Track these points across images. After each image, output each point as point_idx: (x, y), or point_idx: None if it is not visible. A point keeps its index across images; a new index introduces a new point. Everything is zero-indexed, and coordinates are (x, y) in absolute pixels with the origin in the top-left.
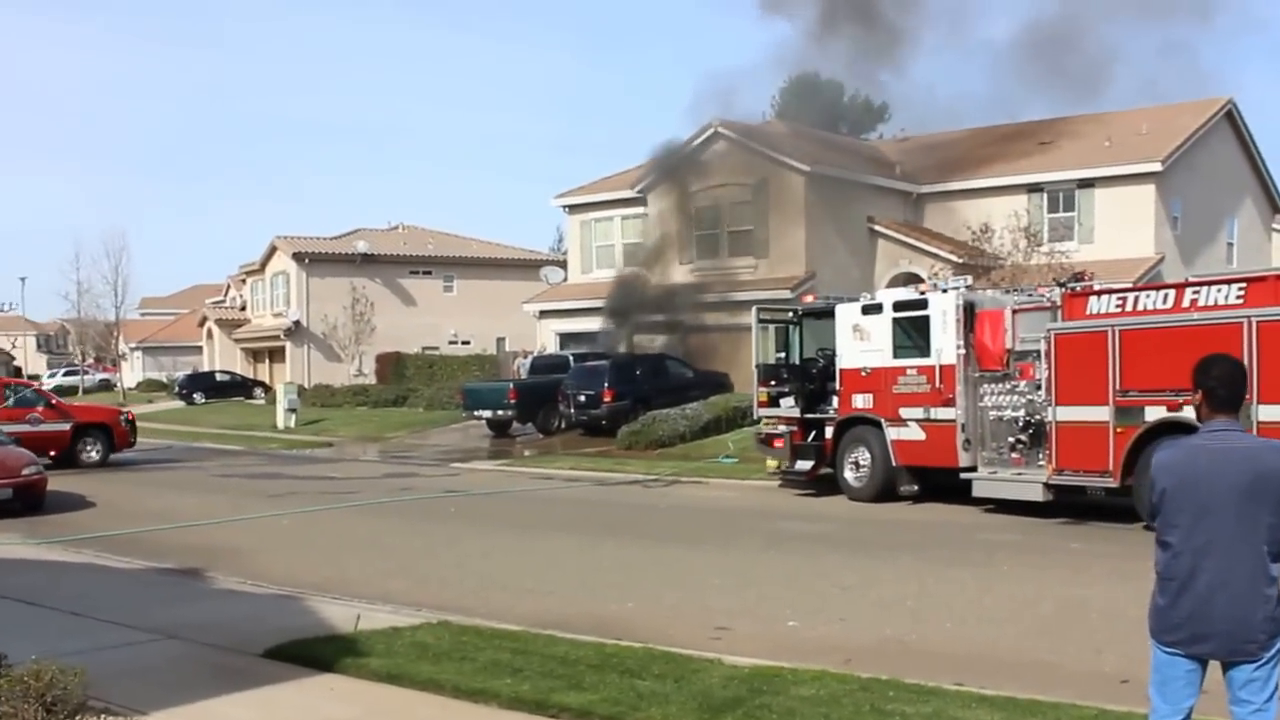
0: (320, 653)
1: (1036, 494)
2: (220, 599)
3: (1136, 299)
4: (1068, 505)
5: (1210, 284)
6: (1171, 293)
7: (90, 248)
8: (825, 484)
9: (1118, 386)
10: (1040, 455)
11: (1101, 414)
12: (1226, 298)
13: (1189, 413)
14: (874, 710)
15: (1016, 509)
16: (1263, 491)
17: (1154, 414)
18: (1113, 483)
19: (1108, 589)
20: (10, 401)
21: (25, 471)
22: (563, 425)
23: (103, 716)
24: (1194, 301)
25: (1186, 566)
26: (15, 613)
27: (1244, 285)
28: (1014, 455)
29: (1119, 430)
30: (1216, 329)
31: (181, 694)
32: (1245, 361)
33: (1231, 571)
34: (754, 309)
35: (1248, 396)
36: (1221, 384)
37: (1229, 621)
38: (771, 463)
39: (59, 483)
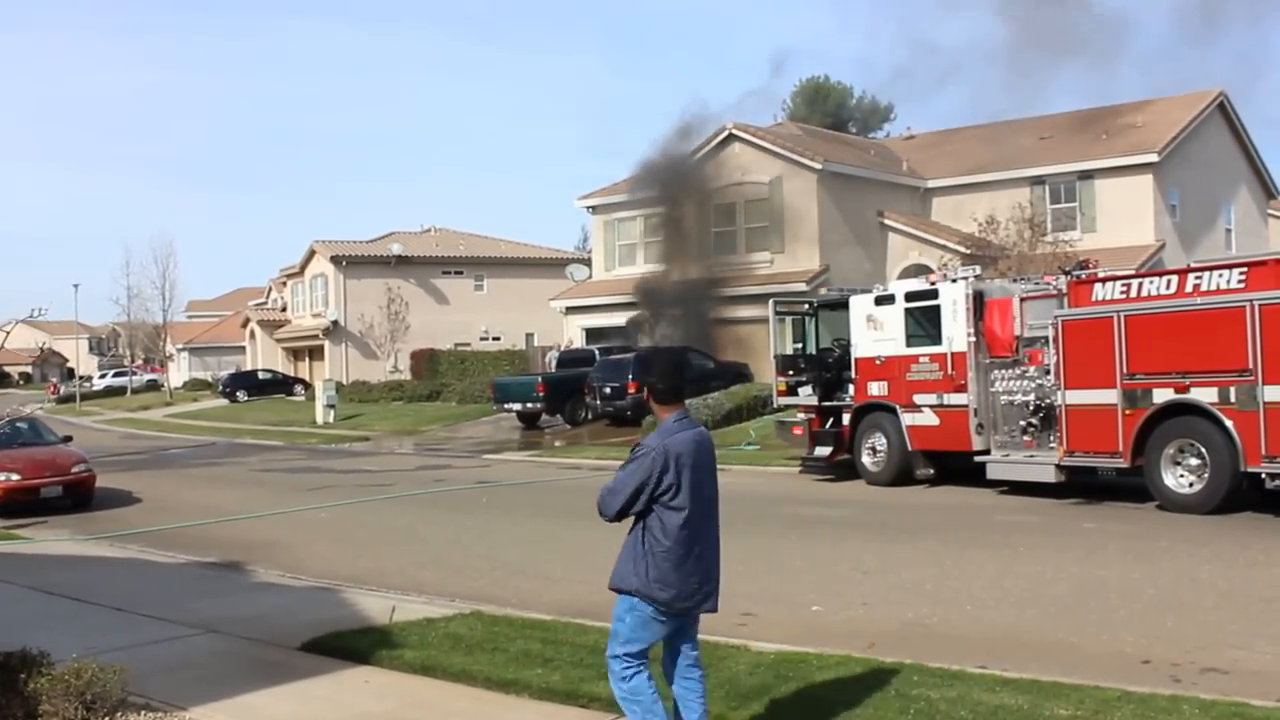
0: (356, 645)
1: (1049, 475)
2: (260, 592)
3: (1140, 285)
4: (1079, 486)
5: (1212, 269)
6: (1174, 278)
7: (140, 255)
8: (844, 469)
9: (1125, 370)
10: (1051, 438)
11: (1110, 397)
12: (1228, 282)
13: (1196, 394)
14: (899, 695)
15: (1030, 490)
16: (713, 470)
17: (1162, 396)
18: (1123, 463)
19: (1123, 569)
20: None
21: (75, 469)
22: (589, 416)
23: (143, 713)
24: (1196, 287)
25: (691, 539)
26: (62, 609)
27: (1245, 270)
28: (1025, 438)
29: (1128, 412)
30: (1220, 313)
31: (220, 689)
32: (1249, 344)
33: (713, 538)
34: (771, 302)
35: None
36: (662, 379)
37: (716, 580)
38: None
39: (98, 479)
